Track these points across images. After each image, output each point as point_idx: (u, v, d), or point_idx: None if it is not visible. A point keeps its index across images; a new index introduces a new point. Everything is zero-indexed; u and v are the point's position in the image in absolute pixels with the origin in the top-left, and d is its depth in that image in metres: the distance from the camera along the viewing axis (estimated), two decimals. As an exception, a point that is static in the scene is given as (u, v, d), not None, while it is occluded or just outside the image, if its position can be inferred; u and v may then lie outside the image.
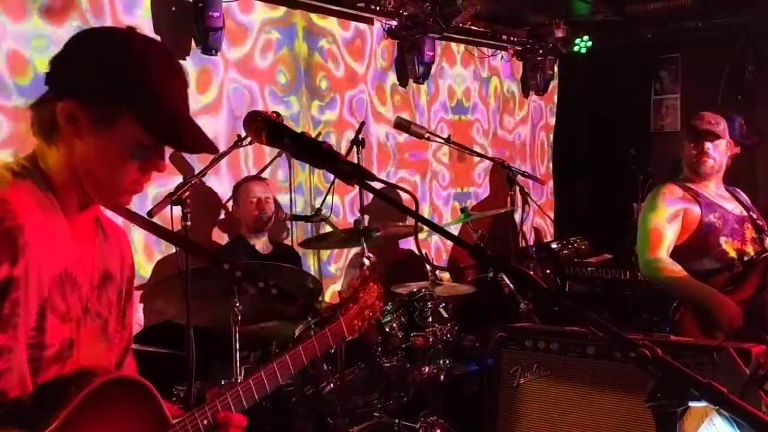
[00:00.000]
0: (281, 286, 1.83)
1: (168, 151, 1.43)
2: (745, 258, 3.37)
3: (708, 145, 3.42)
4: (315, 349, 1.78)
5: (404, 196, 4.23)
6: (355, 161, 3.93)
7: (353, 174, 1.38)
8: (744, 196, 3.62)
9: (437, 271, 3.87)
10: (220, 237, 4.20)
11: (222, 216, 4.22)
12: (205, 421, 1.54)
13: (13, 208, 1.28)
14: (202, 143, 1.42)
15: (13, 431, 1.29)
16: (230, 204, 4.15)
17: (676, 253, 3.39)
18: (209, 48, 4.04)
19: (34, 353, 1.34)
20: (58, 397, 1.34)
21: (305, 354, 1.76)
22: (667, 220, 3.40)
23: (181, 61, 4.02)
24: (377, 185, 1.36)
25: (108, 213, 1.59)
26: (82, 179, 1.39)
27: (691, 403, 1.21)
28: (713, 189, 3.51)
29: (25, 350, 1.32)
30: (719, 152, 3.45)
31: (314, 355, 1.78)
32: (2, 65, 3.33)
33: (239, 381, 1.67)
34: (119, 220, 1.66)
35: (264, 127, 1.41)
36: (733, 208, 3.49)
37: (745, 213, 3.50)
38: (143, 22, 3.86)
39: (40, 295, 1.34)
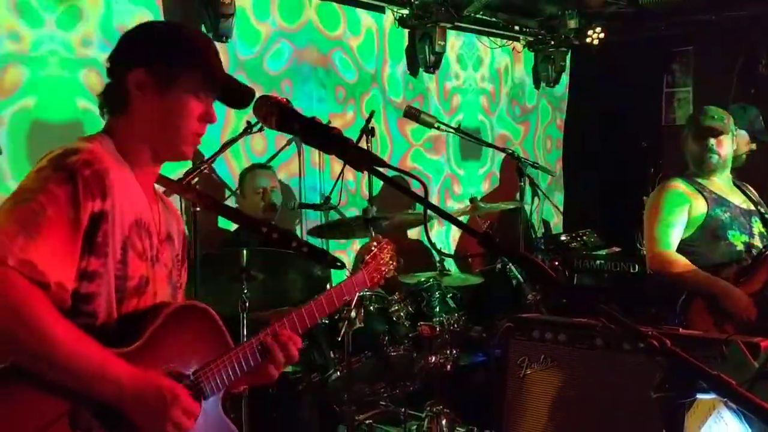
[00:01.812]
0: (311, 245, 2.05)
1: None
2: (754, 251, 3.35)
3: (711, 141, 3.39)
4: (343, 293, 2.01)
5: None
6: (365, 150, 3.91)
7: (363, 160, 1.38)
8: (753, 191, 3.60)
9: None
10: (227, 225, 4.19)
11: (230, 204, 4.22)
12: (260, 346, 1.73)
13: (100, 156, 1.53)
14: (249, 95, 1.67)
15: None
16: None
17: (684, 248, 3.37)
18: (220, 35, 4.03)
19: (119, 284, 1.55)
20: (140, 324, 1.56)
21: (336, 297, 1.97)
22: (672, 214, 3.38)
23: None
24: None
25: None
26: (151, 137, 1.63)
27: (699, 395, 1.20)
28: (720, 183, 3.48)
29: (113, 279, 1.54)
30: (723, 148, 3.41)
31: (342, 299, 1.99)
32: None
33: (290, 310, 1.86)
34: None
35: (274, 111, 1.41)
36: (741, 202, 3.47)
37: (753, 207, 3.48)
38: (154, 6, 3.86)
39: (122, 233, 1.55)
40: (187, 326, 1.63)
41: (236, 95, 1.69)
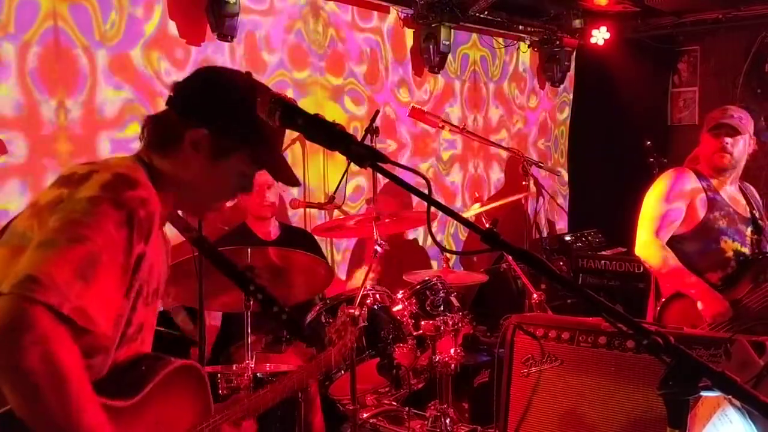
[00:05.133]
0: (291, 314, 2.08)
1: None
2: (741, 259, 3.32)
3: (727, 140, 3.33)
4: (309, 374, 2.20)
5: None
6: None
7: (367, 156, 1.37)
8: (754, 194, 3.55)
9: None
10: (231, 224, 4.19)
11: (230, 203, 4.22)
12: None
13: (152, 195, 1.45)
14: (292, 178, 1.68)
15: (100, 397, 1.37)
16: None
17: (674, 245, 3.34)
18: (224, 34, 4.04)
19: (124, 328, 1.47)
20: (135, 377, 1.49)
21: (303, 377, 2.10)
22: (674, 204, 3.34)
23: (195, 47, 4.04)
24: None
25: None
26: (183, 191, 1.58)
27: (704, 393, 1.20)
28: (727, 186, 3.43)
29: (123, 326, 1.47)
30: (738, 149, 3.36)
31: (307, 380, 2.20)
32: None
33: (256, 392, 1.91)
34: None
35: (277, 107, 1.40)
36: (742, 209, 3.42)
37: (750, 214, 3.43)
38: (158, 5, 3.86)
39: (143, 277, 1.47)
40: (179, 387, 1.58)
41: (283, 176, 1.67)
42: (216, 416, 1.70)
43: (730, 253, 3.31)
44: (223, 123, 1.54)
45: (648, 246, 3.34)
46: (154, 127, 1.58)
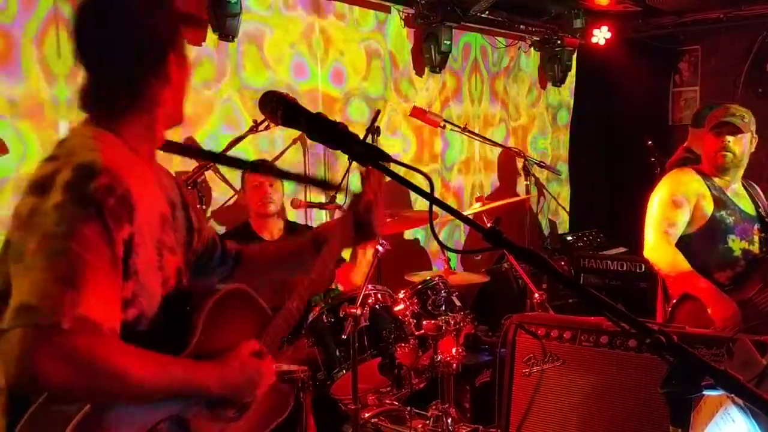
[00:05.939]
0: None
1: None
2: (750, 258, 3.31)
3: (729, 139, 3.32)
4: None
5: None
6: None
7: (369, 155, 1.37)
8: (758, 191, 3.54)
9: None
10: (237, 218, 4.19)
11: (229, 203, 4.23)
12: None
13: (118, 173, 1.39)
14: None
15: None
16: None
17: (681, 245, 3.33)
18: (226, 34, 4.04)
19: (164, 288, 1.50)
20: (185, 320, 1.54)
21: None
22: (680, 205, 3.34)
23: (198, 48, 4.04)
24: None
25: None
26: (169, 113, 1.55)
27: (706, 392, 1.19)
28: (731, 185, 3.42)
29: (160, 288, 1.48)
30: (740, 147, 3.34)
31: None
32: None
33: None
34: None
35: (279, 106, 1.41)
36: (747, 207, 3.42)
37: (756, 213, 3.43)
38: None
39: (154, 237, 1.47)
40: (229, 313, 1.63)
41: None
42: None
43: (738, 252, 3.30)
44: (173, 30, 1.54)
45: (657, 249, 3.34)
46: (116, 92, 1.50)
